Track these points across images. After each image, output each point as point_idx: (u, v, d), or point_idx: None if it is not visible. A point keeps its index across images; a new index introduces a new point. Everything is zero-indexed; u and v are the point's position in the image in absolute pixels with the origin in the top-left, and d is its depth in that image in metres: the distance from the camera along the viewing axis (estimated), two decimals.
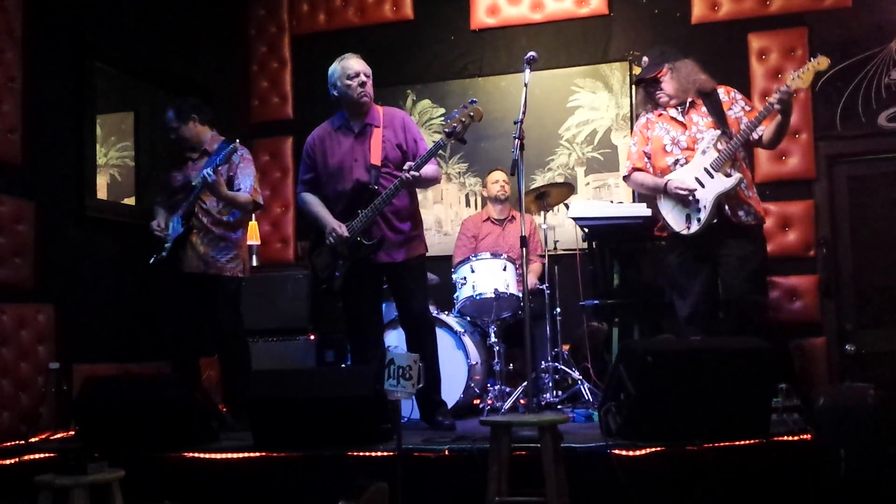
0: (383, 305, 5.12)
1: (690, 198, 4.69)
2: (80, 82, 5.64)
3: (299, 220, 7.08)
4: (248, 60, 7.46)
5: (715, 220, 4.67)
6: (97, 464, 3.62)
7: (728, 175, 4.65)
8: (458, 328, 5.49)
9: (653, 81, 4.94)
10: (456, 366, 5.32)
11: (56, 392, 4.90)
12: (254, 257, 6.65)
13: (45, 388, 4.94)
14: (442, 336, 5.17)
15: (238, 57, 7.44)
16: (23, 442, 4.61)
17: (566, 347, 5.85)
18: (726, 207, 4.68)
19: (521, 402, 5.35)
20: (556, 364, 5.53)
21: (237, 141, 5.07)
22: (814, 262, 6.18)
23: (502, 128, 6.59)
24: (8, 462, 4.33)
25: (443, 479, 3.87)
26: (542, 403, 5.36)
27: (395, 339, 5.30)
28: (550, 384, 5.48)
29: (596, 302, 5.63)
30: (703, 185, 4.67)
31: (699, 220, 4.69)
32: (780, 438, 3.79)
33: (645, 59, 5.02)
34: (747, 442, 3.73)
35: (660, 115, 4.96)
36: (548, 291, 5.60)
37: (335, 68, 4.80)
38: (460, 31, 7.10)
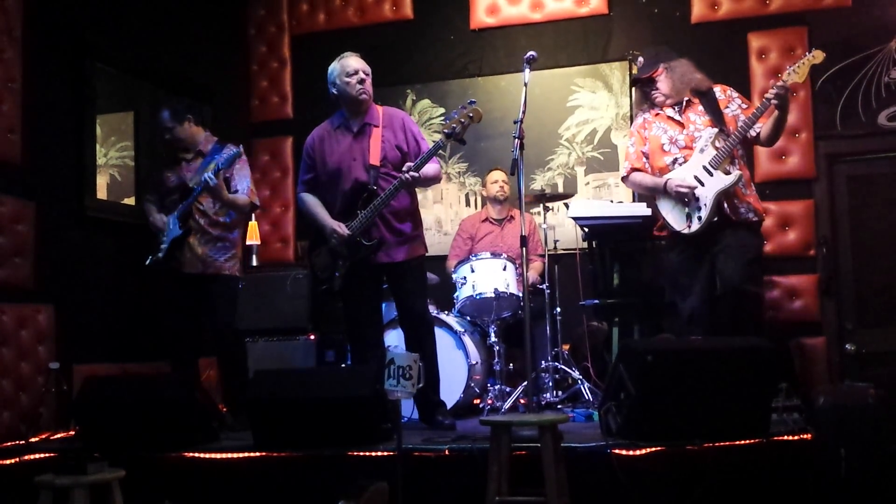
0: (383, 305, 5.12)
1: (691, 196, 4.69)
2: (80, 82, 5.63)
3: (299, 219, 7.08)
4: (247, 60, 7.46)
5: (716, 219, 4.67)
6: (97, 464, 3.62)
7: (728, 172, 4.66)
8: (458, 328, 5.49)
9: (648, 81, 4.95)
10: (456, 365, 5.32)
11: (56, 392, 4.90)
12: (253, 257, 6.65)
13: (45, 388, 4.94)
14: (442, 336, 5.17)
15: (238, 57, 7.44)
16: (23, 442, 4.61)
17: (566, 347, 5.85)
18: (725, 205, 4.68)
19: (522, 401, 5.35)
20: (556, 364, 5.53)
21: (241, 146, 5.07)
22: (814, 262, 6.18)
23: (502, 127, 6.59)
24: (8, 462, 4.33)
25: (443, 478, 3.87)
26: (542, 403, 5.36)
27: (394, 339, 5.30)
28: (550, 384, 5.48)
29: (596, 301, 5.63)
30: (702, 184, 4.67)
31: (700, 218, 4.69)
32: (781, 438, 3.80)
33: (640, 59, 5.04)
34: (747, 442, 3.73)
35: (657, 114, 4.96)
36: (548, 291, 5.60)
37: (334, 67, 4.81)
38: (460, 31, 7.10)
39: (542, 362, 5.55)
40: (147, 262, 5.20)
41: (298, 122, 7.20)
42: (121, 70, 6.17)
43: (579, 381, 5.45)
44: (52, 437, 4.76)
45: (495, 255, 5.66)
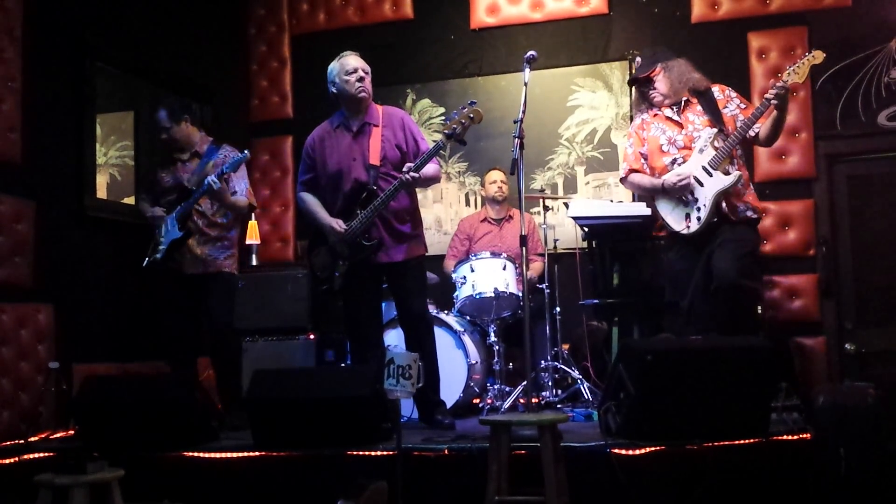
0: (382, 305, 5.12)
1: (689, 196, 4.69)
2: (80, 82, 5.64)
3: (299, 219, 7.08)
4: (247, 60, 7.46)
5: (715, 219, 4.67)
6: (97, 463, 3.61)
7: (727, 173, 4.65)
8: (457, 327, 5.49)
9: (646, 81, 4.94)
10: (455, 365, 5.32)
11: (56, 391, 4.90)
12: (253, 256, 6.64)
13: (44, 387, 4.94)
14: (441, 335, 5.17)
15: (238, 56, 7.44)
16: (22, 441, 4.61)
17: (566, 347, 5.85)
18: (724, 205, 4.68)
19: (521, 401, 5.34)
20: (556, 363, 5.53)
21: (246, 151, 5.07)
22: (813, 262, 6.18)
23: (502, 127, 6.59)
24: (7, 461, 4.33)
25: (442, 478, 3.87)
26: (542, 402, 5.36)
27: (394, 339, 5.30)
28: (550, 383, 5.48)
29: (595, 301, 5.63)
30: (701, 184, 4.67)
31: (699, 218, 4.69)
32: (780, 438, 3.80)
33: (638, 59, 5.04)
34: (747, 441, 3.73)
35: (655, 115, 4.95)
36: (547, 291, 5.60)
37: (334, 66, 4.82)
38: (460, 31, 7.10)
39: (542, 362, 5.55)
40: (144, 263, 5.20)
41: (298, 121, 7.20)
42: (121, 69, 6.18)
43: (579, 381, 5.45)
44: (51, 437, 4.76)
45: (495, 254, 5.66)
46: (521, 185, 4.27)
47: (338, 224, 4.71)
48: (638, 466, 3.66)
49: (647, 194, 5.10)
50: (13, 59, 5.08)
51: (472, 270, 5.57)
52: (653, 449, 3.68)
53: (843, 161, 6.25)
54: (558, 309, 5.67)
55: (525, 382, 4.99)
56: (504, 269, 5.53)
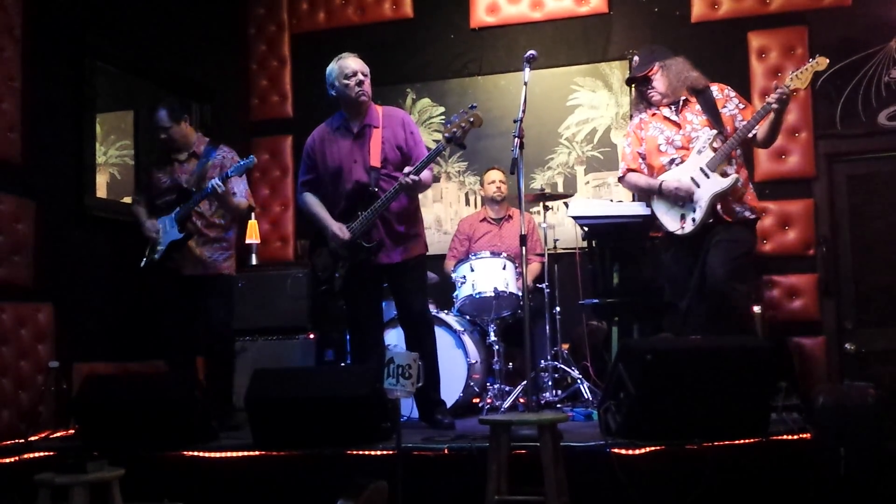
0: (383, 304, 5.12)
1: (686, 198, 4.68)
2: (80, 81, 5.63)
3: (299, 218, 7.08)
4: (247, 59, 7.46)
5: (710, 220, 4.66)
6: (97, 462, 3.61)
7: (725, 175, 4.64)
8: (457, 327, 5.49)
9: (644, 80, 4.93)
10: (455, 364, 5.32)
11: (56, 391, 4.90)
12: (253, 256, 6.65)
13: (44, 386, 4.94)
14: (441, 335, 5.17)
15: (238, 55, 7.44)
16: (22, 440, 4.61)
17: (565, 346, 5.85)
18: (720, 207, 4.67)
19: (521, 400, 5.35)
20: (556, 363, 5.53)
21: (253, 157, 5.06)
22: (813, 261, 6.19)
23: (502, 126, 6.59)
24: (8, 461, 4.33)
25: (442, 477, 3.87)
26: (542, 402, 5.36)
27: (394, 338, 5.30)
28: (550, 383, 5.48)
29: (595, 301, 5.62)
30: (698, 186, 4.66)
31: (694, 220, 4.68)
32: (780, 437, 3.79)
33: (636, 57, 5.02)
34: (747, 441, 3.73)
35: (653, 114, 4.94)
36: (547, 290, 5.60)
37: (332, 68, 4.80)
38: (460, 30, 7.10)
39: (542, 361, 5.55)
40: (142, 263, 5.20)
41: (298, 120, 7.21)
42: (120, 69, 6.18)
43: (578, 381, 5.45)
44: (51, 436, 4.76)
45: (495, 254, 5.66)
46: (521, 185, 4.27)
47: (340, 230, 4.70)
48: (638, 466, 3.66)
49: (644, 194, 5.09)
50: (13, 58, 5.08)
51: (472, 270, 5.57)
52: (652, 449, 3.68)
53: (843, 160, 6.25)
54: (558, 308, 5.67)
55: (525, 382, 5.00)
56: (504, 268, 5.53)
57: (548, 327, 5.57)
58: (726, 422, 3.76)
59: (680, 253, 4.84)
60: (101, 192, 6.33)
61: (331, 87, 4.81)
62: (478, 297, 5.50)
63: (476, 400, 5.61)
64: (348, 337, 5.80)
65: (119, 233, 5.76)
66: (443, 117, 6.94)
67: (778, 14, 6.36)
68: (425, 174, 4.72)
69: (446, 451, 3.90)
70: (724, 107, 4.81)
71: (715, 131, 4.71)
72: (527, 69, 4.43)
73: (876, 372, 5.77)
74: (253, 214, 6.59)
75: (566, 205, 6.00)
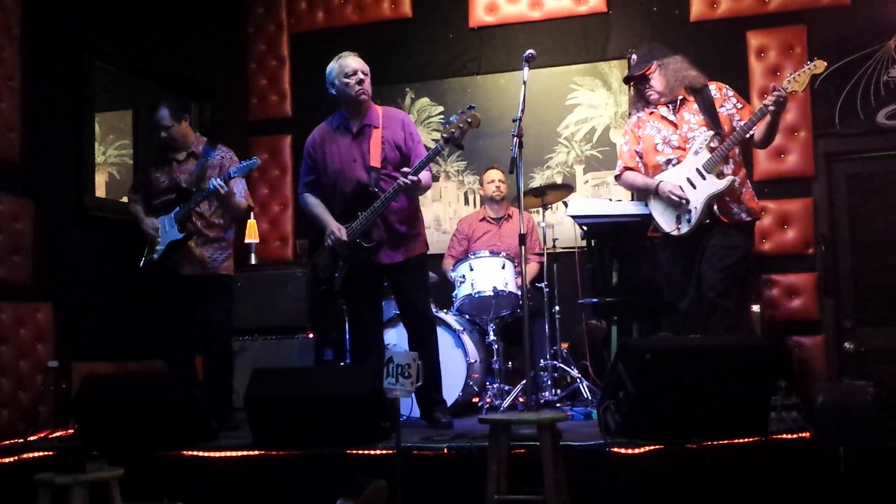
0: (383, 304, 5.12)
1: (682, 202, 4.67)
2: (79, 80, 5.63)
3: (298, 218, 7.09)
4: (246, 58, 7.46)
5: (707, 221, 4.65)
6: (96, 462, 3.61)
7: (721, 176, 4.62)
8: (456, 326, 5.49)
9: (642, 79, 4.90)
10: (454, 364, 5.32)
11: (55, 390, 4.90)
12: (252, 255, 6.65)
13: (43, 386, 4.94)
14: (441, 334, 5.16)
15: (237, 55, 7.44)
16: (22, 440, 4.61)
17: (565, 346, 5.85)
18: (716, 207, 4.64)
19: (520, 400, 5.35)
20: (555, 362, 5.53)
21: (256, 158, 5.06)
22: (813, 260, 6.19)
23: (501, 126, 6.59)
24: (7, 460, 4.33)
25: (442, 477, 3.87)
26: (541, 401, 5.36)
27: (394, 337, 5.31)
28: (549, 382, 5.48)
29: (595, 300, 5.62)
30: (694, 187, 4.64)
31: (689, 221, 4.66)
32: (779, 436, 3.79)
33: (634, 56, 5.00)
34: (746, 440, 3.73)
35: (651, 113, 4.92)
36: (546, 289, 5.60)
37: (332, 67, 4.80)
38: (459, 29, 7.10)
39: (541, 361, 5.55)
40: (141, 263, 5.19)
41: (297, 120, 7.21)
42: (119, 68, 6.18)
43: (578, 380, 5.45)
44: (50, 436, 4.76)
45: (494, 253, 5.66)
46: (521, 184, 4.27)
47: (339, 230, 4.70)
48: (637, 465, 3.66)
49: (640, 193, 5.08)
50: (12, 57, 5.08)
51: (472, 269, 5.57)
52: (652, 448, 3.68)
53: (842, 160, 6.25)
54: (557, 308, 5.67)
55: (524, 381, 4.99)
56: (503, 267, 5.53)
57: (547, 326, 5.57)
58: (726, 421, 3.76)
59: (677, 254, 4.83)
60: (100, 191, 6.33)
61: (331, 86, 4.81)
62: (477, 296, 5.50)
63: (475, 399, 5.61)
64: (348, 336, 5.80)
65: (118, 232, 5.76)
66: (442, 117, 6.94)
67: (777, 13, 6.37)
68: (424, 175, 4.72)
69: (446, 451, 3.90)
70: (722, 106, 4.78)
71: (712, 133, 4.69)
72: (526, 68, 4.43)
73: (875, 371, 5.77)
74: (252, 214, 6.59)
75: (565, 204, 5.99)
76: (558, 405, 5.38)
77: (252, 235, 6.65)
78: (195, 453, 4.18)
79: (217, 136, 5.63)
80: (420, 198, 5.01)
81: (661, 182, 4.76)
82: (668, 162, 4.79)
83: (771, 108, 4.50)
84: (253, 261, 6.61)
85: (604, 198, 6.34)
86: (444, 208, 7.07)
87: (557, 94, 6.84)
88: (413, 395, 4.13)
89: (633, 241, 5.45)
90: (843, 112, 6.17)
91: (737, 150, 4.75)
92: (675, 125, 4.80)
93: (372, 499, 3.36)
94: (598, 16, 6.79)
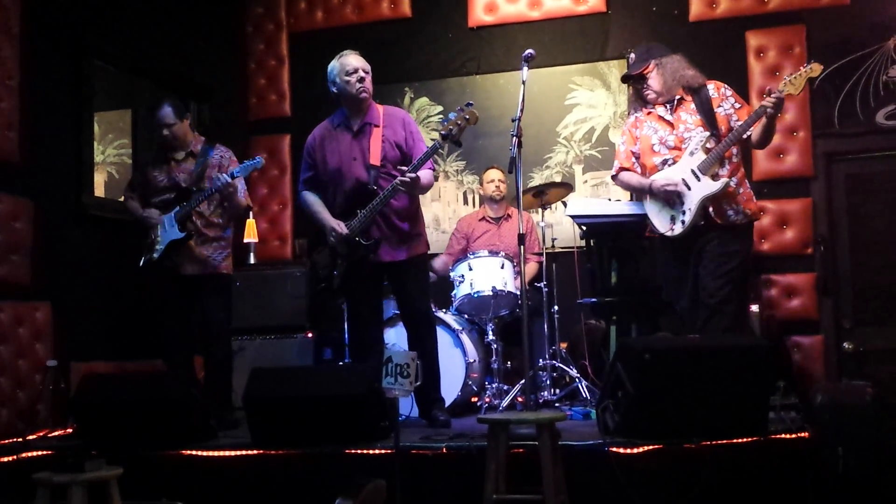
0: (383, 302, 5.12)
1: (676, 199, 4.67)
2: (78, 80, 5.63)
3: (297, 217, 7.09)
4: (245, 58, 7.45)
5: (702, 222, 4.64)
6: (95, 461, 3.61)
7: (715, 178, 4.60)
8: (455, 326, 5.49)
9: (639, 78, 4.88)
10: (453, 363, 5.32)
11: (54, 390, 4.90)
12: (251, 255, 6.65)
13: (42, 385, 4.93)
14: (440, 334, 5.16)
15: (236, 54, 7.43)
16: (20, 439, 4.60)
17: (564, 345, 5.85)
18: (711, 209, 4.62)
19: (519, 399, 5.35)
20: (554, 362, 5.53)
21: (260, 158, 5.06)
22: (812, 260, 6.19)
23: (500, 125, 6.60)
24: (6, 460, 4.33)
25: (441, 476, 3.88)
26: (540, 401, 5.36)
27: (393, 337, 5.31)
28: (548, 382, 5.48)
29: (594, 300, 5.62)
30: (689, 188, 4.62)
31: (683, 222, 4.65)
32: (778, 436, 3.80)
33: (632, 55, 4.99)
34: (745, 440, 3.73)
35: (648, 113, 4.91)
36: (546, 289, 5.60)
37: (334, 65, 4.80)
38: (458, 29, 7.10)
39: (540, 360, 5.55)
40: (141, 262, 5.19)
41: (296, 119, 7.21)
42: (119, 68, 6.18)
43: (577, 380, 5.45)
44: (49, 435, 4.76)
45: (493, 253, 5.65)
46: (520, 184, 4.27)
47: (339, 226, 4.70)
48: (636, 465, 3.66)
49: (636, 193, 5.08)
50: (11, 57, 5.07)
51: (471, 269, 5.56)
52: (651, 447, 3.68)
53: (842, 160, 6.26)
54: (556, 307, 5.67)
55: (523, 381, 5.00)
56: (502, 267, 5.53)
57: (546, 326, 5.57)
58: (724, 421, 3.77)
59: (674, 254, 4.83)
60: (99, 190, 6.33)
61: (332, 84, 4.81)
62: (476, 296, 5.50)
63: (474, 399, 5.61)
64: (347, 335, 5.80)
65: (117, 232, 5.76)
66: (441, 116, 6.94)
67: (776, 13, 6.37)
68: (425, 174, 4.72)
69: (445, 450, 3.90)
70: (720, 106, 4.74)
71: (708, 133, 4.66)
72: (525, 68, 4.44)
73: (874, 371, 5.78)
74: (251, 213, 6.59)
75: (564, 204, 6.00)
76: (557, 405, 5.38)
77: (251, 235, 6.65)
78: (194, 453, 4.18)
79: (216, 136, 5.63)
80: (420, 197, 5.01)
81: (654, 179, 4.75)
82: (665, 162, 4.77)
83: (768, 110, 4.48)
84: (252, 260, 6.61)
85: (603, 198, 6.34)
86: (444, 208, 7.07)
87: (556, 94, 6.84)
88: (412, 393, 4.13)
89: (632, 241, 5.45)
90: (842, 112, 6.18)
91: (734, 151, 4.71)
92: (672, 125, 4.78)
93: (371, 498, 3.36)
94: (597, 15, 6.79)
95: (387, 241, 4.74)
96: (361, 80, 4.75)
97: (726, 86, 4.85)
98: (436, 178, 5.05)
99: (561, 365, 5.53)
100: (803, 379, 5.71)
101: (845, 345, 5.91)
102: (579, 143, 6.80)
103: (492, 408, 5.28)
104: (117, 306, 5.73)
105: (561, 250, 6.11)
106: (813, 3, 6.28)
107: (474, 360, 5.45)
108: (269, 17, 7.43)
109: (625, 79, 5.08)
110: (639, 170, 4.94)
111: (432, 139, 4.81)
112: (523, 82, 4.42)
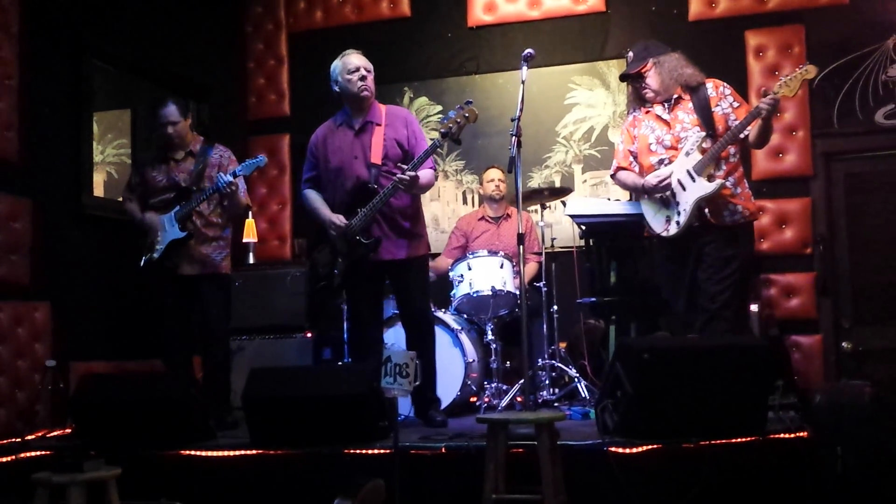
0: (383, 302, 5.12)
1: (671, 199, 4.65)
2: (78, 79, 5.63)
3: (296, 217, 7.09)
4: (245, 58, 7.46)
5: (697, 223, 4.62)
6: (94, 461, 3.61)
7: (710, 179, 4.58)
8: (454, 325, 5.48)
9: (637, 76, 4.85)
10: (453, 363, 5.31)
11: (53, 390, 4.90)
12: (250, 255, 6.65)
13: (41, 385, 4.94)
14: (439, 334, 5.16)
15: (235, 54, 7.44)
16: (19, 440, 4.60)
17: (563, 345, 5.85)
18: (707, 210, 4.60)
19: (518, 399, 5.35)
20: (553, 362, 5.53)
21: (262, 157, 5.05)
22: (811, 260, 6.19)
23: (499, 125, 6.60)
24: (5, 460, 4.33)
25: (440, 476, 3.87)
26: (539, 401, 5.36)
27: (392, 337, 5.30)
28: (547, 382, 5.48)
29: (593, 299, 5.62)
30: (684, 189, 4.61)
31: (678, 222, 4.64)
32: (777, 436, 3.80)
33: (630, 54, 4.98)
34: (744, 439, 3.73)
35: (647, 112, 4.89)
36: (545, 289, 5.60)
37: (336, 64, 4.82)
38: (457, 29, 7.10)
39: (539, 360, 5.55)
40: (142, 262, 5.18)
41: (295, 119, 7.21)
42: (118, 67, 6.17)
43: (576, 379, 5.45)
44: (48, 435, 4.76)
45: (492, 252, 5.65)
46: (519, 184, 4.27)
47: (338, 219, 4.71)
48: (635, 465, 3.66)
49: (633, 193, 5.07)
50: (10, 56, 5.07)
51: (470, 269, 5.56)
52: (650, 447, 3.68)
53: (841, 159, 6.26)
54: (555, 307, 5.67)
55: (522, 381, 5.00)
56: (501, 267, 5.52)
57: (545, 326, 5.57)
58: (723, 420, 3.77)
59: (671, 255, 4.83)
60: (99, 190, 6.32)
61: (334, 83, 4.82)
62: (475, 295, 5.49)
63: (473, 399, 5.60)
64: (346, 335, 5.80)
65: (116, 232, 5.75)
66: (440, 115, 6.94)
67: (775, 12, 6.37)
68: (425, 173, 4.72)
69: (444, 450, 3.90)
70: (718, 105, 4.71)
71: (704, 133, 4.63)
72: (524, 68, 4.43)
73: (873, 370, 5.78)
74: (250, 213, 6.59)
75: (563, 203, 5.99)
76: (556, 404, 5.38)
77: (250, 235, 6.65)
78: (193, 453, 4.17)
79: (215, 136, 5.62)
80: (420, 197, 5.01)
81: (647, 179, 4.74)
82: (661, 162, 4.75)
83: (763, 111, 4.45)
84: (251, 260, 6.61)
85: (602, 197, 6.34)
86: (443, 207, 7.07)
87: (556, 94, 6.84)
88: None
89: (632, 241, 5.45)
90: (841, 111, 6.18)
91: (731, 150, 4.67)
92: (669, 124, 4.76)
93: (370, 498, 3.37)
94: (596, 15, 6.79)
95: (387, 239, 4.75)
96: (363, 78, 4.76)
97: (725, 84, 4.82)
98: (436, 178, 5.04)
99: (560, 365, 5.54)
100: (802, 378, 5.70)
101: (844, 344, 5.91)
102: (579, 143, 6.80)
103: (491, 408, 5.27)
104: (116, 306, 5.73)
105: (560, 250, 6.11)
106: (812, 2, 6.28)
107: (473, 360, 5.45)
108: (268, 16, 7.43)
109: (623, 77, 5.07)
110: (637, 169, 4.93)
111: (432, 138, 4.81)
112: (522, 82, 4.42)
